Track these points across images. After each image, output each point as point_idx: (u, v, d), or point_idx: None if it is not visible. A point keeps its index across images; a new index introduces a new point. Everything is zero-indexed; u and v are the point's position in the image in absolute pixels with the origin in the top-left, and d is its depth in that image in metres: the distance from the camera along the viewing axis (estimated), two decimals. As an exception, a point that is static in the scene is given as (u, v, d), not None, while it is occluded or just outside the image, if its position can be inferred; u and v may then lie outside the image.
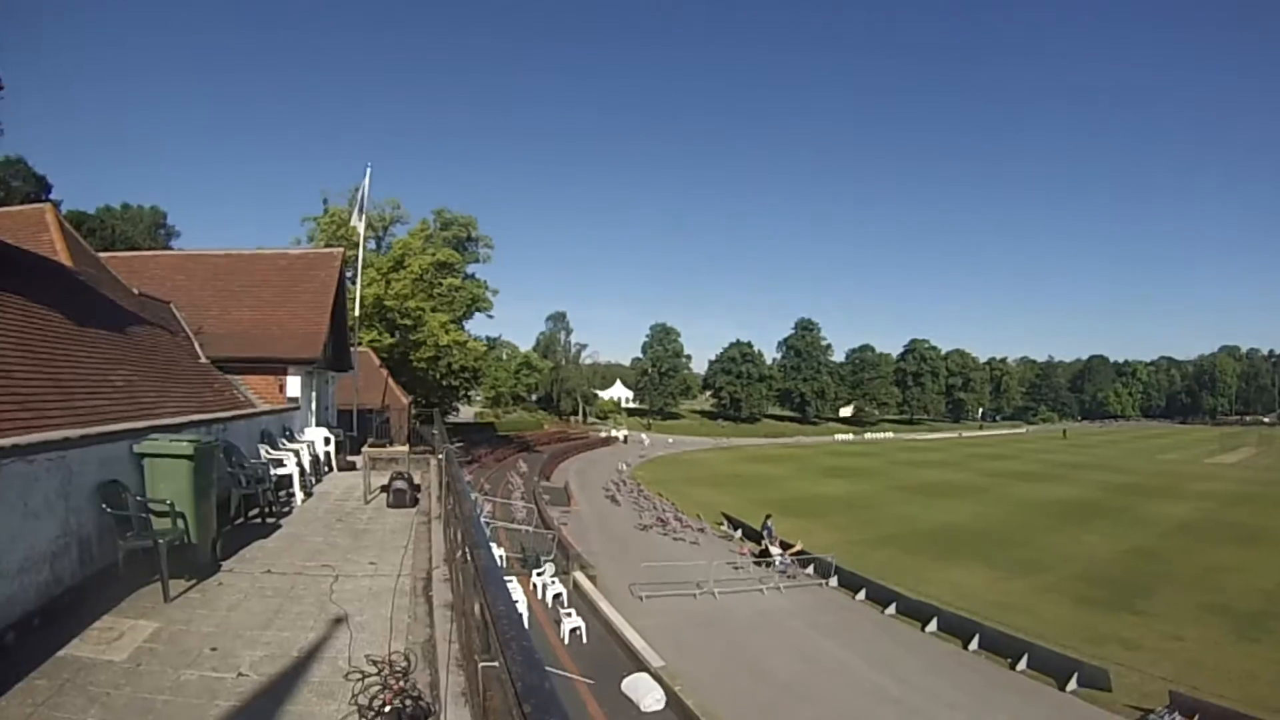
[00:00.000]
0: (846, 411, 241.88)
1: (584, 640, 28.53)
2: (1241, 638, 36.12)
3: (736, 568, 44.92)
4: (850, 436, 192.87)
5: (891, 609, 38.57)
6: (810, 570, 45.47)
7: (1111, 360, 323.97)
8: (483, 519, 46.30)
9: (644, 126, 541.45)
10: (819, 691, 27.50)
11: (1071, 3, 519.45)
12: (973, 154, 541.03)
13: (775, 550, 47.27)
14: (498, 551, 38.22)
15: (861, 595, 41.06)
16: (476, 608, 6.07)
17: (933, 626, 35.85)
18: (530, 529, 49.80)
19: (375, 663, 8.59)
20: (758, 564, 45.88)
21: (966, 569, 48.11)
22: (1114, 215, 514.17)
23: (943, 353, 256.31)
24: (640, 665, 25.82)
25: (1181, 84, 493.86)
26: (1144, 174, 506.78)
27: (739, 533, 56.76)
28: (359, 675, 8.19)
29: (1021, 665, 31.20)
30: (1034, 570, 48.17)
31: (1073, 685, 29.04)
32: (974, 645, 33.48)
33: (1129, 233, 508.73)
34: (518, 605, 28.01)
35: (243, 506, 16.40)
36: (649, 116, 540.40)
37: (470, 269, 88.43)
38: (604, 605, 33.92)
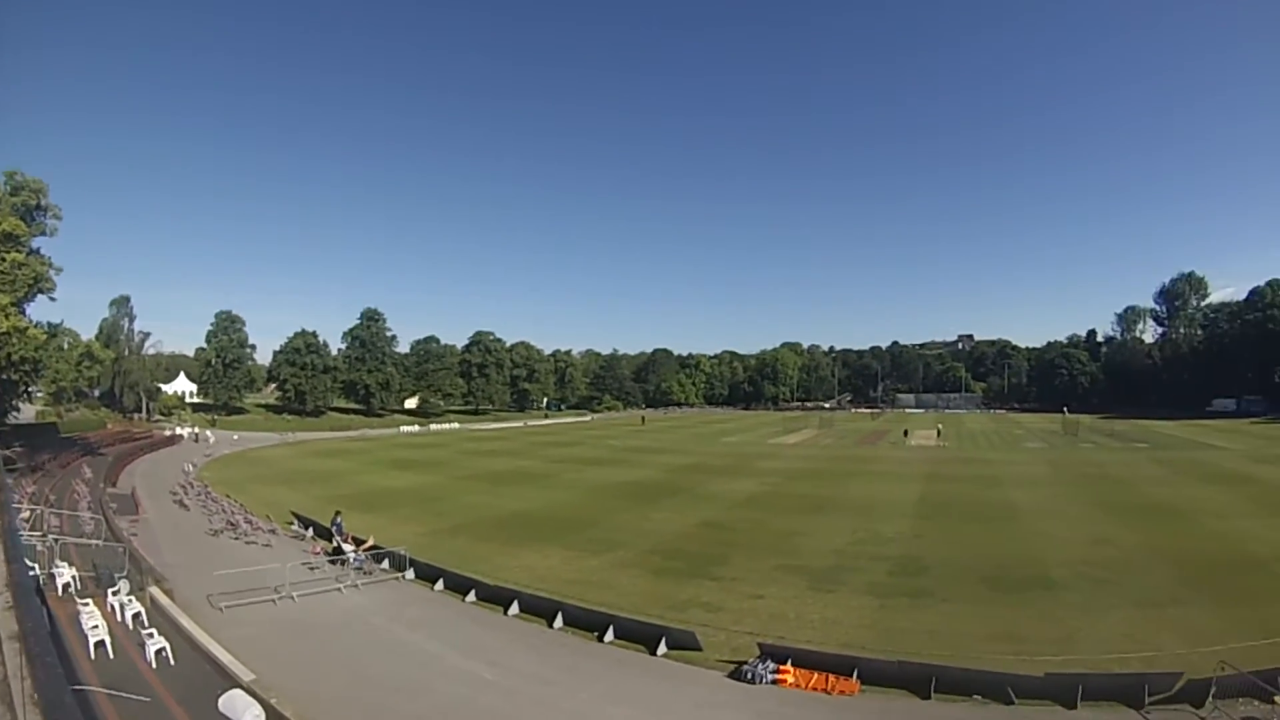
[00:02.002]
0: (412, 403, 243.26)
1: (172, 661, 26.27)
2: (819, 590, 39.87)
3: (312, 568, 43.43)
4: (416, 428, 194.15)
5: (471, 596, 38.95)
6: (386, 565, 45.10)
7: (675, 353, 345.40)
8: (50, 535, 42.43)
9: (213, 104, 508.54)
10: (416, 685, 27.23)
11: None
12: (531, 151, 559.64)
13: (348, 547, 46.32)
14: (70, 572, 35.30)
15: (440, 585, 41.19)
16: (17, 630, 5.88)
17: (514, 609, 36.46)
18: (100, 543, 45.65)
19: (-46, 713, 7.93)
20: (332, 562, 44.62)
21: (541, 552, 49.46)
22: (681, 219, 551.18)
23: (508, 345, 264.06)
24: (232, 681, 24.71)
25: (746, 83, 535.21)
26: (692, 184, 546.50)
27: (310, 531, 55.02)
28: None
29: (608, 636, 32.40)
30: (609, 548, 50.28)
31: (663, 649, 30.61)
32: (558, 623, 34.35)
33: (695, 235, 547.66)
34: (97, 630, 26.26)
35: None
36: (220, 97, 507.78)
37: (35, 242, 77.97)
38: (185, 621, 31.48)
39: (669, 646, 30.90)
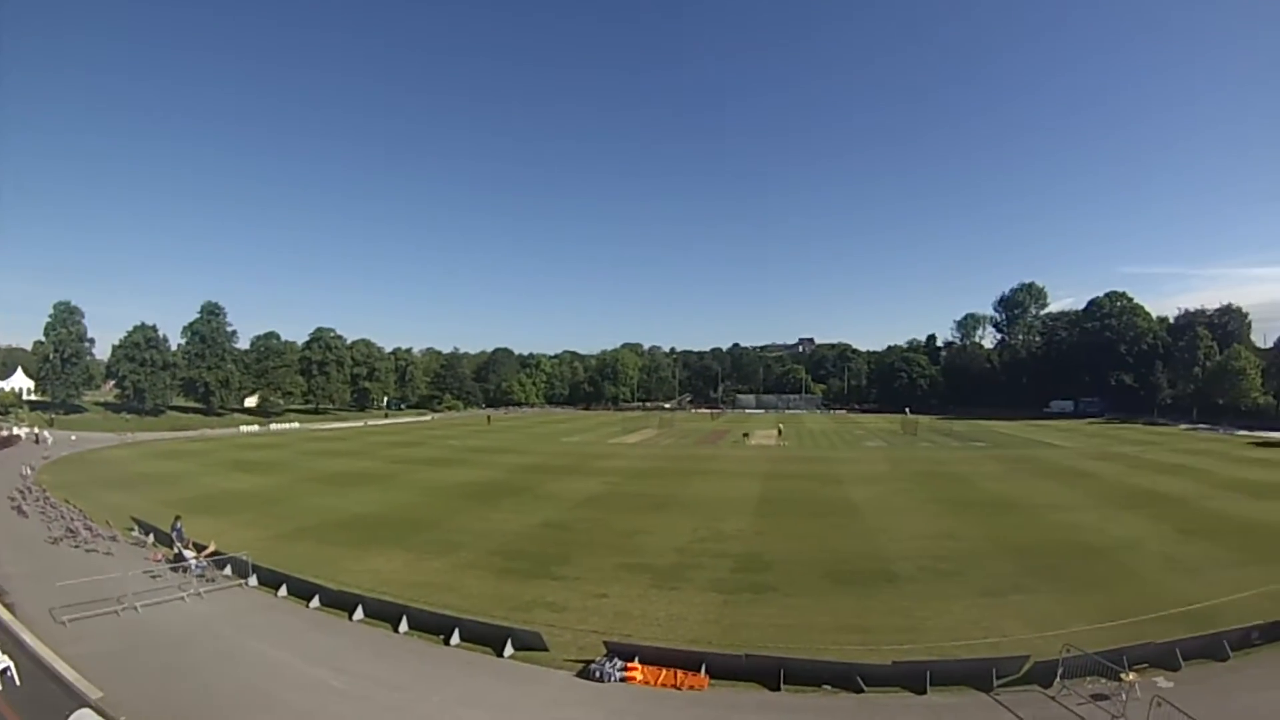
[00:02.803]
0: (251, 401, 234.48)
1: (17, 681, 24.78)
2: (663, 588, 40.55)
3: (155, 576, 41.67)
4: (256, 428, 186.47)
5: (315, 602, 37.89)
6: (228, 571, 43.37)
7: (516, 353, 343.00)
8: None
9: (44, 84, 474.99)
10: (266, 697, 26.42)
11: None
12: (370, 141, 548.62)
13: (189, 553, 44.48)
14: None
15: (283, 591, 39.91)
16: None
17: (359, 614, 35.80)
18: (-62, 556, 43.27)
19: None
20: (174, 570, 42.77)
21: (384, 555, 48.66)
22: (521, 217, 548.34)
23: (348, 342, 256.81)
24: (80, 700, 23.45)
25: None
26: (530, 181, 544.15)
27: (151, 537, 52.54)
28: None
29: (455, 640, 32.24)
30: (451, 550, 49.80)
31: (509, 650, 30.62)
32: (404, 627, 34.02)
33: (535, 234, 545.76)
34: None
35: None
36: (49, 75, 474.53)
37: None
38: (27, 637, 29.89)
39: (515, 647, 30.96)
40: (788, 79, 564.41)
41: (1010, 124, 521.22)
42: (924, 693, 26.39)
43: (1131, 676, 25.82)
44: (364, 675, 28.71)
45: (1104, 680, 26.32)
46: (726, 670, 28.08)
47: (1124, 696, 24.97)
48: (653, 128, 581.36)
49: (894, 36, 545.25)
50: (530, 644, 30.99)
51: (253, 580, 41.96)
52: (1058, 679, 26.66)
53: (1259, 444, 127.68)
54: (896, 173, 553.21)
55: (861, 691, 26.54)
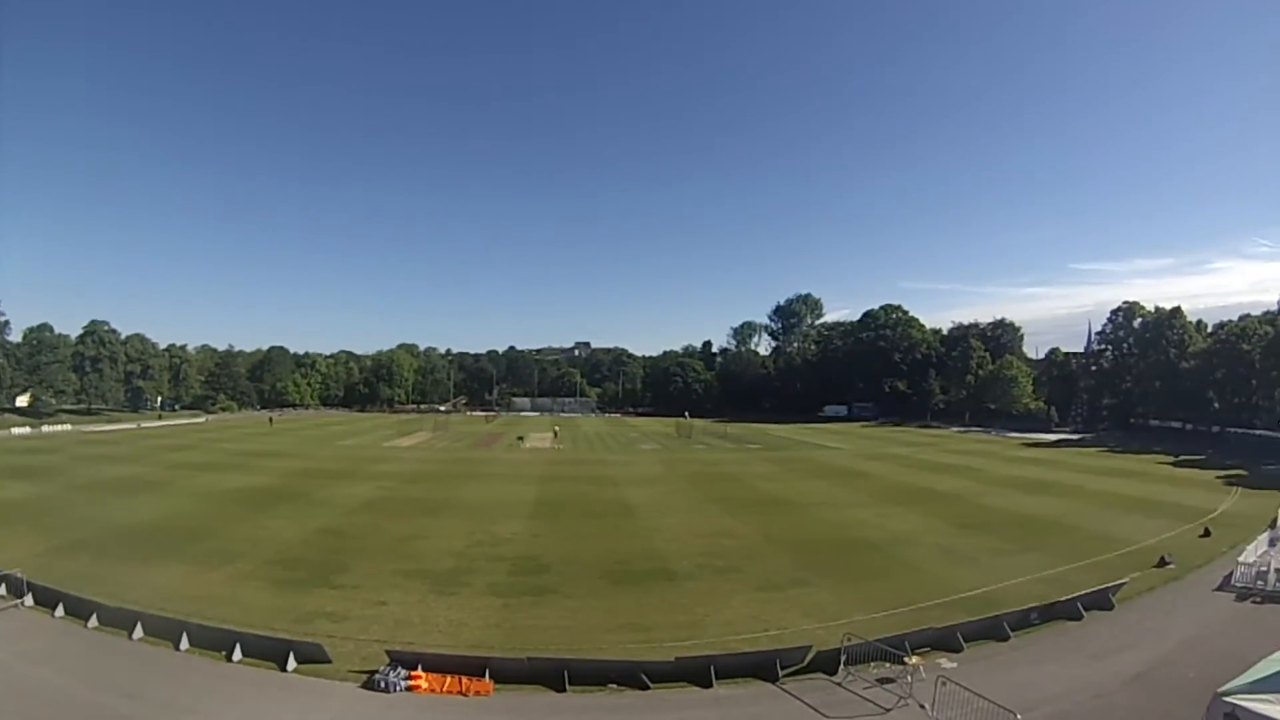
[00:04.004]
0: (23, 400, 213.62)
1: None
2: (441, 594, 40.52)
3: (-72, 601, 38.19)
4: (28, 430, 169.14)
5: (93, 621, 35.64)
6: (2, 590, 40.06)
7: (292, 352, 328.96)
8: None
9: None
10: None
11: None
12: (140, 118, 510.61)
13: (-38, 574, 41.10)
14: None
15: (60, 611, 37.23)
16: None
17: (139, 633, 33.98)
18: None
19: None
20: (-53, 593, 39.51)
21: (162, 568, 45.99)
22: (295, 206, 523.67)
23: (123, 337, 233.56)
24: None
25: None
26: (307, 173, 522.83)
27: (-79, 557, 48.36)
28: None
29: (237, 656, 31.27)
30: (228, 560, 47.82)
31: (292, 664, 30.11)
32: (185, 645, 32.60)
33: (312, 227, 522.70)
34: None
35: None
36: None
37: None
38: None
39: (298, 661, 30.52)
40: (562, 82, 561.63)
41: (786, 139, 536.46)
42: (710, 686, 27.33)
43: (915, 659, 27.39)
44: (150, 699, 27.57)
45: (888, 665, 27.66)
46: (511, 674, 28.68)
47: (909, 678, 26.71)
48: (431, 123, 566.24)
49: (681, 42, 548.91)
50: (313, 656, 30.64)
51: (28, 600, 39.06)
52: (841, 666, 27.90)
53: (1030, 444, 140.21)
54: (675, 180, 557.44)
55: (647, 688, 27.38)
